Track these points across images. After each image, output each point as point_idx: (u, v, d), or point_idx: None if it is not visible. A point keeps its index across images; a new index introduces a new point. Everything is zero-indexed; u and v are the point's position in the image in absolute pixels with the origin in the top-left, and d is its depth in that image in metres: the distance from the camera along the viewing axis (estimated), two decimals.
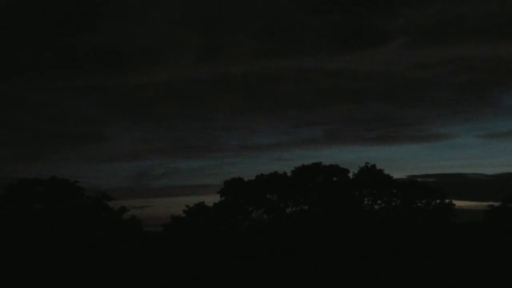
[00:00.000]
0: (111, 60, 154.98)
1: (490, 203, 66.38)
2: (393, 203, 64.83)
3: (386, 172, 66.40)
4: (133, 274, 54.95)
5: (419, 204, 65.19)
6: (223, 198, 65.30)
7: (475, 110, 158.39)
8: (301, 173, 66.14)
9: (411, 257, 57.25)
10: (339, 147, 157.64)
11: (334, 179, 66.30)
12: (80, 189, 63.46)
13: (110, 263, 56.76)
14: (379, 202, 65.02)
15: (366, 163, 66.13)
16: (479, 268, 52.57)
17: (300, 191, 64.89)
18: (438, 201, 64.87)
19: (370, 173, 65.76)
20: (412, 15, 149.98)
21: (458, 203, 66.60)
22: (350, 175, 66.38)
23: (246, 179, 66.60)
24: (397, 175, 67.18)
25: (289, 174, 66.51)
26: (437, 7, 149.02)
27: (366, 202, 65.42)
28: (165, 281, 54.83)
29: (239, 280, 54.64)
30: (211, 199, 67.27)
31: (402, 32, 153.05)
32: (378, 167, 66.23)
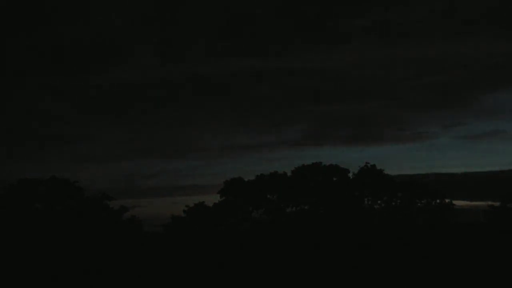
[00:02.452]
0: (76, 61, 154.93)
1: (490, 203, 66.48)
2: (393, 203, 64.84)
3: None
4: (133, 274, 54.95)
5: (419, 204, 65.21)
6: (223, 198, 65.34)
7: (453, 111, 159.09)
8: (301, 173, 66.17)
9: (411, 257, 57.25)
10: (320, 147, 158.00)
11: (334, 179, 66.32)
12: (80, 189, 63.51)
13: (110, 263, 56.75)
14: (379, 202, 65.06)
15: (366, 163, 66.27)
16: (479, 268, 52.57)
17: (300, 191, 64.89)
18: (438, 201, 64.93)
19: (370, 173, 65.79)
20: (378, 14, 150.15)
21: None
22: (350, 175, 66.47)
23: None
24: None
25: (289, 174, 66.62)
26: (409, 6, 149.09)
27: (366, 202, 65.46)
28: (165, 281, 54.82)
29: (239, 280, 54.62)
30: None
31: (369, 31, 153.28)
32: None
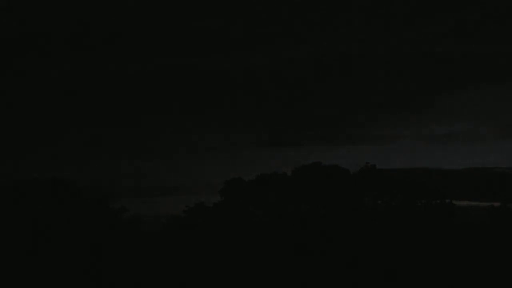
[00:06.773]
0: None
1: (491, 203, 66.55)
2: (393, 203, 64.88)
3: None
4: (132, 274, 54.95)
5: (419, 204, 65.24)
6: (223, 198, 65.38)
7: (413, 112, 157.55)
8: (301, 173, 66.19)
9: (411, 257, 57.31)
10: (285, 149, 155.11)
11: (334, 179, 66.32)
12: (80, 189, 63.47)
13: (110, 262, 56.72)
14: (379, 202, 65.10)
15: (367, 162, 66.33)
16: (480, 268, 52.66)
17: (300, 191, 64.94)
18: (438, 201, 64.98)
19: (370, 173, 65.85)
20: (333, 15, 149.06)
21: None
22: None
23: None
24: None
25: (289, 174, 66.69)
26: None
27: (366, 202, 65.50)
28: (165, 281, 54.83)
29: (239, 281, 54.68)
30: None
31: (323, 30, 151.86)
32: None
